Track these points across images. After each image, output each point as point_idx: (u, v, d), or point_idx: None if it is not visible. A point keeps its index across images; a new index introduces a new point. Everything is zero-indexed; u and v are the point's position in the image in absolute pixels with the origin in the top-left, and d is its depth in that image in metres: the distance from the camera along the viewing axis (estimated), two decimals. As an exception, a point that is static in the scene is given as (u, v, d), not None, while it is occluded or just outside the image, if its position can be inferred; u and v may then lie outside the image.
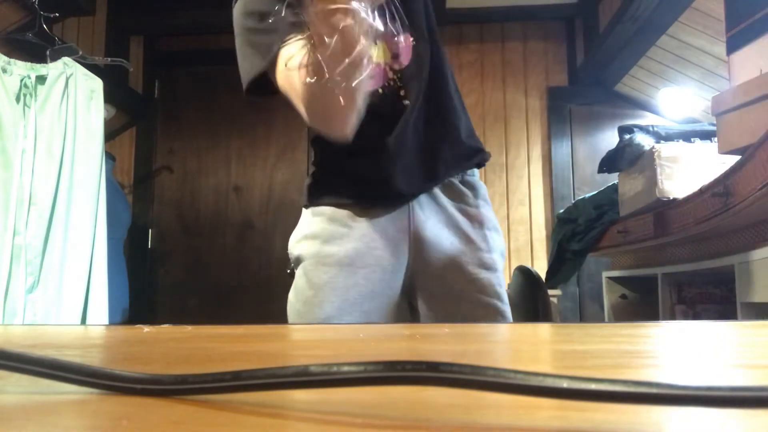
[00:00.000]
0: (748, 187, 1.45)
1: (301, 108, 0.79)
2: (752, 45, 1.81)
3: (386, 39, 0.86)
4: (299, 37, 0.77)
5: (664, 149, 2.18)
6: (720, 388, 0.16)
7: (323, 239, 0.95)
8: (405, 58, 0.92)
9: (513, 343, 0.48)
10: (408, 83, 0.92)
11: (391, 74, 0.91)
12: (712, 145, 2.14)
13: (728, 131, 1.72)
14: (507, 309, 0.95)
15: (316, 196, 1.00)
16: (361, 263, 0.93)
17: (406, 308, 0.98)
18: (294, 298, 0.95)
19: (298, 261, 0.97)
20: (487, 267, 0.95)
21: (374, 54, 0.74)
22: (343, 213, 0.96)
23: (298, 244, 0.98)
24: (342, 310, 0.90)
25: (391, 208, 0.96)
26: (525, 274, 1.08)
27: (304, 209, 1.03)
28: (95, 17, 3.53)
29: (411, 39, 0.92)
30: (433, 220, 0.96)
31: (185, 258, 3.66)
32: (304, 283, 0.94)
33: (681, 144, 2.22)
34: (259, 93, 0.87)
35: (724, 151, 1.76)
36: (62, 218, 2.24)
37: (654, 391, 0.16)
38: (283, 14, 0.72)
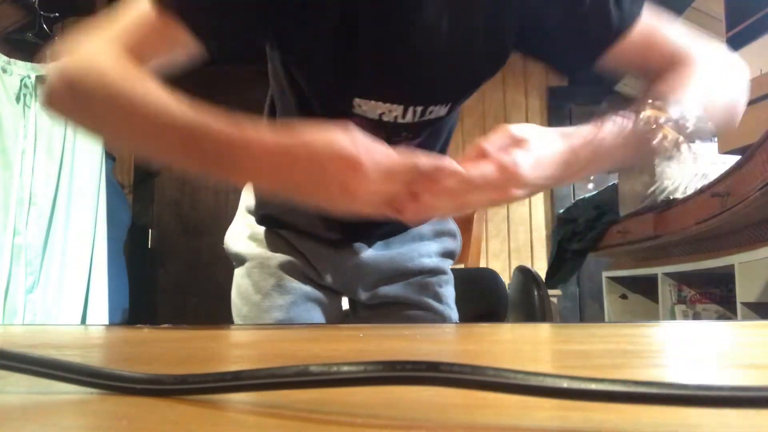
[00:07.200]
0: (748, 187, 1.45)
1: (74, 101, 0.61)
2: (752, 45, 1.81)
3: None
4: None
5: (664, 149, 2.18)
6: (720, 388, 0.16)
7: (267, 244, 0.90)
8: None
9: (513, 343, 0.48)
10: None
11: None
12: (712, 145, 2.14)
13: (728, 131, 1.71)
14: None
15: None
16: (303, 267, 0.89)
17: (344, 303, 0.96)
18: (239, 301, 0.90)
19: (240, 259, 0.92)
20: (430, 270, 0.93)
21: None
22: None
23: (238, 242, 0.92)
24: (291, 312, 0.87)
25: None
26: (525, 274, 1.08)
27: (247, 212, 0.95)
28: (95, 17, 3.53)
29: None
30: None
31: (185, 258, 3.66)
32: (249, 285, 0.88)
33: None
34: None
35: (724, 151, 1.76)
36: (62, 218, 2.24)
37: (654, 391, 0.16)
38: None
